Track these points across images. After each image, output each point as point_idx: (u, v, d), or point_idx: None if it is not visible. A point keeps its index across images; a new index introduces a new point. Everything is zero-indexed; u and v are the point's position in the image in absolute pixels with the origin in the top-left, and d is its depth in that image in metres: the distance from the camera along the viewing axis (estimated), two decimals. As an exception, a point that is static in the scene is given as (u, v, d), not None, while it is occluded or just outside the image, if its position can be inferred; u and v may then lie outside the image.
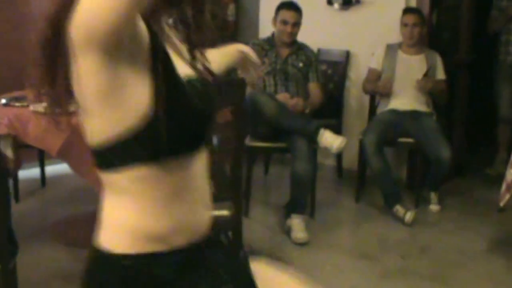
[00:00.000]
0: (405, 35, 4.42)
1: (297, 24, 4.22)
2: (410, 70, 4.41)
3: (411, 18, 4.38)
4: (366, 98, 4.75)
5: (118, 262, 1.20)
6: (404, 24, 4.41)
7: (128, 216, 1.21)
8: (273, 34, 4.34)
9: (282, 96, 4.09)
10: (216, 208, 2.67)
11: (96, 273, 1.23)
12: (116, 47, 1.05)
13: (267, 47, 4.28)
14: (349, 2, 4.96)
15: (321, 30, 5.07)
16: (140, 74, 1.10)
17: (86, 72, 1.07)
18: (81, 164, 3.06)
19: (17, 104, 3.29)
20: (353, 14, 5.00)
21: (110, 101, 1.10)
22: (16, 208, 4.06)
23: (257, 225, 4.07)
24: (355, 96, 5.06)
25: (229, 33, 5.89)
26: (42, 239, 3.66)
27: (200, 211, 1.30)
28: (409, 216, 4.05)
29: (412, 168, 4.79)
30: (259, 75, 1.99)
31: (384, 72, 4.48)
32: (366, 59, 4.76)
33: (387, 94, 4.43)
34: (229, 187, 2.73)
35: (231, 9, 5.90)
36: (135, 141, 1.13)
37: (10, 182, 4.17)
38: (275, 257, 3.53)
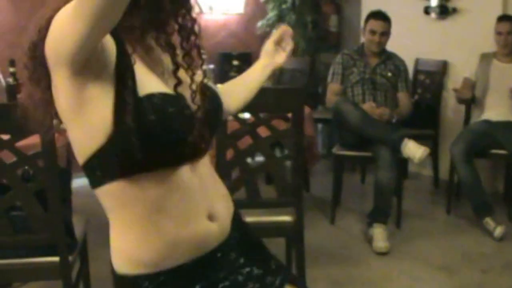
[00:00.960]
0: (499, 44, 4.27)
1: (385, 34, 4.20)
2: (504, 80, 4.24)
3: (505, 26, 4.22)
4: (463, 109, 4.61)
5: (117, 280, 1.30)
6: (498, 33, 4.26)
7: (117, 239, 1.28)
8: (362, 44, 4.34)
9: (367, 105, 4.08)
10: (278, 214, 2.78)
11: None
12: (81, 66, 1.11)
13: (356, 56, 4.29)
14: (446, 11, 4.85)
15: (418, 39, 5.00)
16: (105, 89, 1.15)
17: (58, 88, 1.16)
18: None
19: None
20: (450, 23, 4.88)
21: (78, 117, 1.17)
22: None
23: (341, 233, 4.08)
24: (452, 107, 4.93)
25: (331, 43, 5.94)
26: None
27: (199, 226, 1.30)
28: (499, 230, 3.89)
29: (509, 181, 4.58)
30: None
31: (478, 82, 4.34)
32: (463, 68, 4.63)
33: (465, 101, 4.29)
34: (291, 193, 2.78)
35: (333, 20, 5.95)
36: (102, 157, 1.18)
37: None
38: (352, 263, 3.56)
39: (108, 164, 1.20)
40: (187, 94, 1.28)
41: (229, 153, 2.70)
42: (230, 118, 2.62)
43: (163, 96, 1.22)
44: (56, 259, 2.30)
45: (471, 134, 4.19)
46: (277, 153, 3.49)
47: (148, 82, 1.22)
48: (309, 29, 5.74)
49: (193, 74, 1.29)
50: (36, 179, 2.24)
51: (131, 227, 1.25)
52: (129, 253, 1.27)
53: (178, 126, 1.22)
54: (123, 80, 1.16)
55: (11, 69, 3.17)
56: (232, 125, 2.68)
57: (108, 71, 1.15)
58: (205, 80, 1.37)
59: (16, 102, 2.79)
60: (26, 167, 2.27)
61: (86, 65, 1.12)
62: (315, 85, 5.65)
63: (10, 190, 2.22)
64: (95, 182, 1.24)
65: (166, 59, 1.30)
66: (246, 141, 2.72)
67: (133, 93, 1.17)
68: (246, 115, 2.94)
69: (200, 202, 1.31)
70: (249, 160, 2.92)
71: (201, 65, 1.34)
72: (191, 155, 1.28)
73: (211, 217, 1.33)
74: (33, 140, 2.24)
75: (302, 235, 2.87)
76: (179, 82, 1.25)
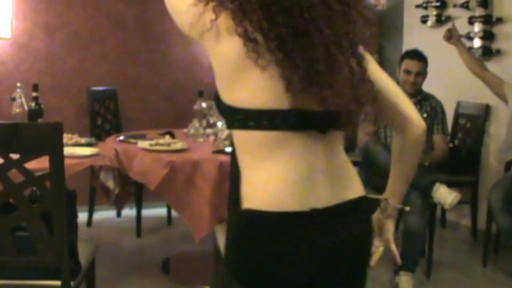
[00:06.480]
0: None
1: (421, 74, 4.27)
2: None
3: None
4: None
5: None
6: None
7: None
8: (398, 83, 4.39)
9: (398, 147, 4.12)
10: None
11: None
12: None
13: (390, 96, 4.35)
14: (489, 53, 4.89)
15: (460, 81, 5.03)
16: None
17: None
18: (178, 201, 3.34)
19: (132, 140, 3.68)
20: (494, 64, 4.90)
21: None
22: (135, 242, 4.49)
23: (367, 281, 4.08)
24: (494, 153, 4.92)
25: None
26: (149, 273, 3.97)
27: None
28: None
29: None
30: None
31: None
32: (506, 113, 4.64)
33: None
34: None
35: (374, 59, 6.03)
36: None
37: (132, 217, 4.59)
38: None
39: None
40: None
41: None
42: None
43: None
44: (58, 283, 2.42)
45: (510, 180, 4.18)
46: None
47: None
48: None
49: None
50: (43, 200, 2.38)
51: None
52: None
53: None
54: None
55: (34, 94, 3.34)
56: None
57: None
58: None
59: (29, 123, 2.96)
60: (34, 189, 2.41)
61: None
62: (352, 126, 5.70)
63: (16, 210, 2.37)
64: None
65: None
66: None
67: None
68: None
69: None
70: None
71: None
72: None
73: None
74: (42, 164, 2.39)
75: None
76: None
